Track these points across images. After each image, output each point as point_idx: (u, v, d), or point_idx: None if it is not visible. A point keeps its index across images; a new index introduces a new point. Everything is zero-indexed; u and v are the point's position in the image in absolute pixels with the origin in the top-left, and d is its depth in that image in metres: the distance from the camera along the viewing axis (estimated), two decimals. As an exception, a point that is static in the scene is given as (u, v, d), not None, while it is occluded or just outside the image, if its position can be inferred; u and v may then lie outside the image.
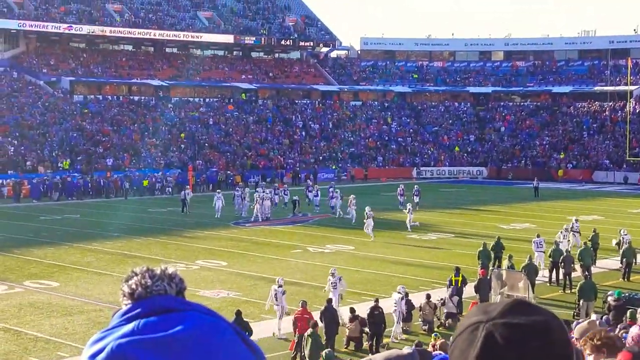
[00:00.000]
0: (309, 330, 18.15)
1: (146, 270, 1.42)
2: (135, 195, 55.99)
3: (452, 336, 1.45)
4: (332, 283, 22.11)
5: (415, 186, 49.88)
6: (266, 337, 20.34)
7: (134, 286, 1.39)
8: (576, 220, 33.27)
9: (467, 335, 1.38)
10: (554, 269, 27.45)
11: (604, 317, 17.87)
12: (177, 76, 79.77)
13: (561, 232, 31.08)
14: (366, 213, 36.51)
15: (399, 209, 45.46)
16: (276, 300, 20.77)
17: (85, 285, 26.19)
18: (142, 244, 34.94)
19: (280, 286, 21.02)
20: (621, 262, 28.68)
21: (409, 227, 38.76)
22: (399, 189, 49.04)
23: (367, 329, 19.71)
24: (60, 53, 76.94)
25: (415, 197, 47.85)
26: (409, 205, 40.38)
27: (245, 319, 18.71)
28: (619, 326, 14.18)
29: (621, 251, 28.91)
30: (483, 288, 23.26)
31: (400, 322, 20.75)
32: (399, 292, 21.04)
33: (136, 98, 74.59)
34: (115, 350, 1.30)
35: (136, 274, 1.42)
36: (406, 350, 2.50)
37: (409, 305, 21.17)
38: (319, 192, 47.42)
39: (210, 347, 1.32)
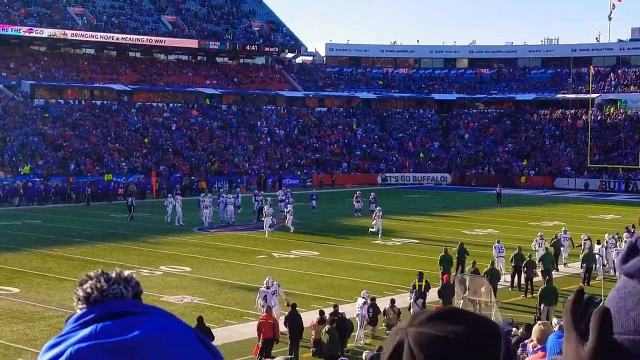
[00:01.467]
0: (327, 327, 18.55)
1: (101, 274, 1.38)
2: (97, 201, 55.46)
3: None
4: (263, 293, 21.47)
5: (372, 194, 49.47)
6: (230, 342, 20.25)
7: (89, 290, 1.36)
8: (565, 231, 33.08)
9: (389, 339, 1.34)
10: (516, 274, 27.71)
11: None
12: (140, 81, 79.25)
13: (536, 241, 31.07)
14: (265, 211, 39.66)
15: (354, 215, 46.89)
16: (265, 301, 20.84)
17: (46, 291, 25.90)
18: (104, 249, 34.62)
19: (268, 287, 21.24)
20: (581, 267, 29.06)
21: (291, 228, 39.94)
22: (355, 195, 48.90)
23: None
24: (21, 56, 75.98)
25: (371, 204, 47.58)
26: (290, 207, 41.59)
27: (207, 325, 18.60)
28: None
29: (581, 256, 29.31)
30: (446, 293, 23.38)
31: (363, 327, 20.82)
32: (362, 297, 21.14)
33: (98, 102, 73.89)
34: (74, 355, 1.26)
35: (91, 278, 1.38)
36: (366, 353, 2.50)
37: (375, 310, 21.23)
38: (287, 198, 47.53)
39: (170, 351, 1.29)
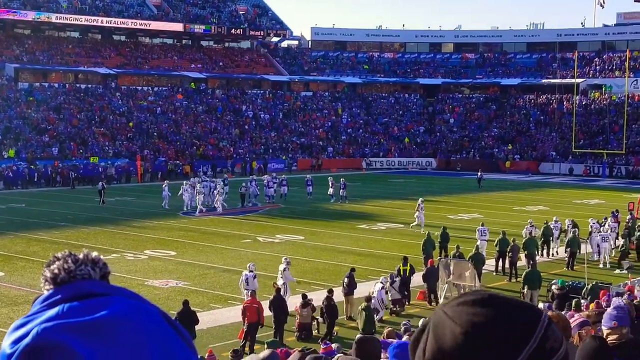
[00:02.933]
0: (363, 304, 19.17)
1: (69, 255, 1.38)
2: (82, 185, 55.23)
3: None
4: (245, 277, 21.73)
5: (342, 180, 48.00)
6: (215, 326, 20.30)
7: (56, 271, 1.36)
8: (556, 220, 32.11)
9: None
10: (500, 258, 27.77)
11: (547, 305, 18.18)
12: (125, 64, 78.80)
13: (527, 228, 30.76)
14: (218, 190, 42.36)
15: (330, 202, 46.51)
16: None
17: (30, 274, 25.82)
18: (89, 233, 34.50)
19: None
20: (565, 252, 29.17)
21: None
22: (329, 182, 47.96)
23: (319, 317, 19.88)
24: (4, 39, 75.33)
25: (342, 190, 46.68)
26: (219, 187, 43.54)
27: (193, 309, 18.61)
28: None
29: (566, 241, 29.39)
30: (431, 277, 23.48)
31: (383, 310, 21.32)
32: (380, 282, 21.50)
33: (83, 86, 73.48)
34: (40, 334, 1.26)
35: (58, 259, 1.38)
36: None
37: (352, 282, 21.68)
38: (271, 182, 47.54)
39: (137, 331, 1.29)
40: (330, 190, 47.22)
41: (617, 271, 27.73)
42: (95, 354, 1.24)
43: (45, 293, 1.35)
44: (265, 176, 50.19)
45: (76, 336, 1.26)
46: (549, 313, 5.68)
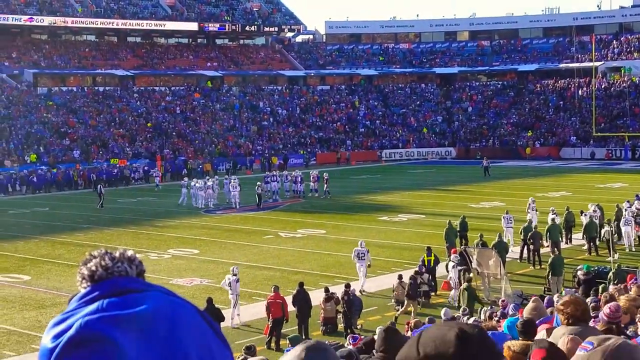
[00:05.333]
0: (465, 284, 20.22)
1: (105, 253, 1.41)
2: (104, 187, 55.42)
3: None
4: (228, 280, 21.53)
5: (325, 174, 46.39)
6: (240, 323, 20.37)
7: (94, 268, 1.39)
8: (594, 210, 30.49)
9: None
10: (525, 246, 27.59)
11: (573, 291, 18.11)
12: (141, 65, 79.11)
13: (528, 211, 30.38)
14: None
15: (314, 196, 46.21)
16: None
17: (56, 277, 26.03)
18: (112, 234, 34.70)
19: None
20: (583, 237, 28.63)
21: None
22: (311, 176, 47.42)
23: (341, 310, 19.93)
24: (22, 45, 75.85)
25: (325, 185, 45.47)
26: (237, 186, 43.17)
27: (217, 306, 18.69)
28: (587, 300, 14.37)
29: (583, 226, 28.78)
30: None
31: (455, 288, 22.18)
32: (452, 261, 22.80)
33: (101, 89, 73.85)
34: (84, 327, 1.29)
35: (95, 257, 1.41)
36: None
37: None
38: (288, 177, 47.59)
39: (175, 326, 1.33)
40: (313, 185, 46.78)
41: (610, 259, 26.13)
42: (135, 346, 1.27)
43: (82, 291, 1.38)
44: (285, 172, 50.20)
45: (117, 328, 1.29)
46: (566, 298, 5.70)
